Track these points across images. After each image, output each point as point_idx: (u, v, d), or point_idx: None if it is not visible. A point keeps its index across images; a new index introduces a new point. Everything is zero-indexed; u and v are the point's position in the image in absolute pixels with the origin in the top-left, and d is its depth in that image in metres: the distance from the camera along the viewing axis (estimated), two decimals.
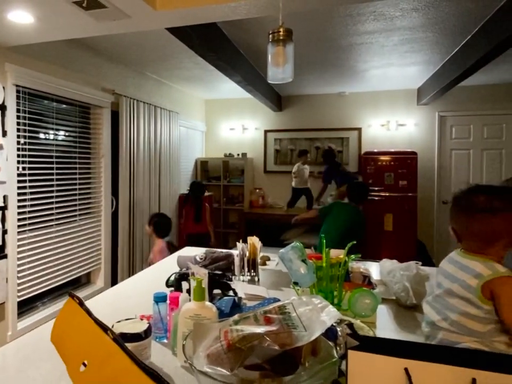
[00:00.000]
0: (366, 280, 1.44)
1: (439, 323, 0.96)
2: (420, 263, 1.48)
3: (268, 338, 0.73)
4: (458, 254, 1.00)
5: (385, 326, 1.22)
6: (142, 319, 1.02)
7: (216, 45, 2.90)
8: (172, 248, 2.99)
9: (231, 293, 1.36)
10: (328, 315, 0.77)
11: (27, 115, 2.82)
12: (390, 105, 5.10)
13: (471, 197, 0.98)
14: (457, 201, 1.02)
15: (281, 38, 1.54)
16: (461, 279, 0.93)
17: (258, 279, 1.69)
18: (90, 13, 1.97)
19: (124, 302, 1.42)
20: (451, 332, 0.93)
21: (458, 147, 4.92)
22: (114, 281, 3.67)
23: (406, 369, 0.66)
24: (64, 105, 3.22)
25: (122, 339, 0.90)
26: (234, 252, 1.78)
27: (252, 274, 1.70)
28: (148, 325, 0.97)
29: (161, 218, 3.24)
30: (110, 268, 3.71)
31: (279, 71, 1.58)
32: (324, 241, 1.32)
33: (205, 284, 1.04)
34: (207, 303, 0.98)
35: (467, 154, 4.89)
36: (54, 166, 3.08)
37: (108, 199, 3.66)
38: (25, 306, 2.97)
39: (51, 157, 3.07)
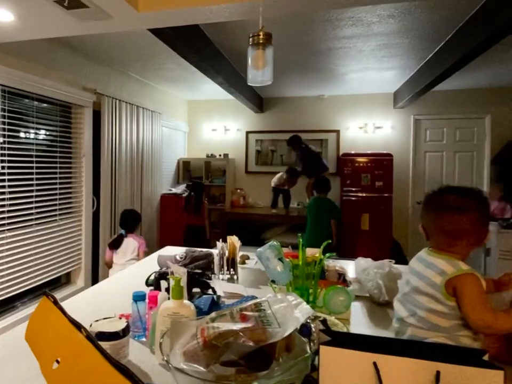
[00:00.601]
0: (341, 278, 1.46)
1: (408, 319, 0.98)
2: (393, 261, 1.52)
3: (243, 335, 0.73)
4: (426, 252, 1.03)
5: (359, 322, 1.24)
6: (120, 318, 1.01)
7: (199, 47, 2.88)
8: (115, 244, 3.18)
9: (210, 291, 1.36)
10: (302, 312, 0.78)
11: (6, 114, 2.74)
12: (367, 108, 5.18)
13: (441, 196, 1.01)
14: (428, 200, 1.05)
15: (261, 41, 1.54)
16: (427, 277, 0.95)
17: (237, 278, 1.69)
18: (72, 12, 1.93)
19: (103, 302, 1.40)
20: (419, 327, 0.95)
21: (432, 149, 5.04)
22: (95, 281, 3.60)
23: (374, 363, 0.68)
24: (45, 104, 3.14)
25: (100, 338, 0.90)
26: (214, 251, 1.78)
27: (231, 273, 1.70)
28: (126, 323, 0.96)
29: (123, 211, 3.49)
30: (90, 268, 3.64)
31: (258, 73, 1.58)
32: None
33: (183, 283, 1.04)
34: (185, 301, 0.98)
35: (440, 156, 5.02)
36: (34, 165, 3.01)
37: (89, 198, 3.60)
38: (4, 306, 2.89)
39: (31, 156, 2.99)
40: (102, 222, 3.72)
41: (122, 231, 3.24)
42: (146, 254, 3.03)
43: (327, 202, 3.85)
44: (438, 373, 0.65)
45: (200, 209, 4.53)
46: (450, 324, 0.92)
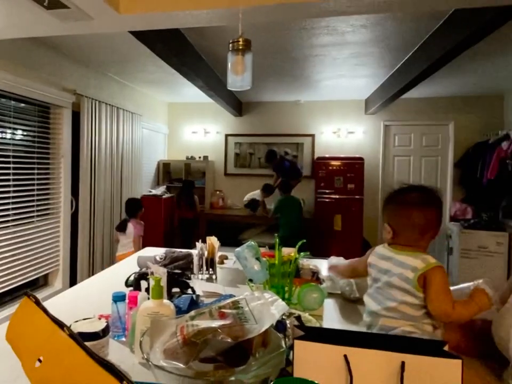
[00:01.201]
0: (315, 276, 1.49)
1: (380, 311, 1.02)
2: None
3: (221, 332, 0.74)
4: (391, 251, 1.07)
5: (331, 318, 1.27)
6: (100, 319, 1.00)
7: (179, 50, 2.86)
8: (118, 226, 3.70)
9: (189, 291, 1.36)
10: (277, 308, 0.80)
11: None
12: (341, 114, 5.28)
13: (409, 194, 1.07)
14: (393, 199, 1.10)
15: (240, 47, 1.55)
16: (399, 273, 1.00)
17: (216, 277, 1.70)
18: (51, 12, 1.87)
19: (83, 303, 1.38)
20: (390, 317, 1.00)
21: (400, 154, 5.19)
22: (73, 283, 3.51)
23: (345, 356, 0.71)
24: (22, 104, 3.04)
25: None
26: (194, 252, 1.78)
27: (210, 272, 1.70)
28: (105, 323, 0.95)
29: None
30: (68, 269, 3.54)
31: (238, 78, 1.59)
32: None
33: (163, 283, 1.04)
34: (165, 301, 0.98)
35: (408, 161, 5.17)
36: (11, 166, 2.90)
37: (68, 200, 3.50)
38: None
39: (8, 156, 2.88)
40: (80, 223, 3.62)
41: (127, 217, 3.73)
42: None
43: (294, 199, 4.41)
44: (403, 363, 0.69)
45: (192, 203, 4.97)
46: (419, 313, 0.98)
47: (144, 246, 2.45)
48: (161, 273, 1.14)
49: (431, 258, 0.99)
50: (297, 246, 1.31)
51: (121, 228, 3.61)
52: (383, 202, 1.13)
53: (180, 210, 5.03)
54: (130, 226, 3.63)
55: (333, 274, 1.42)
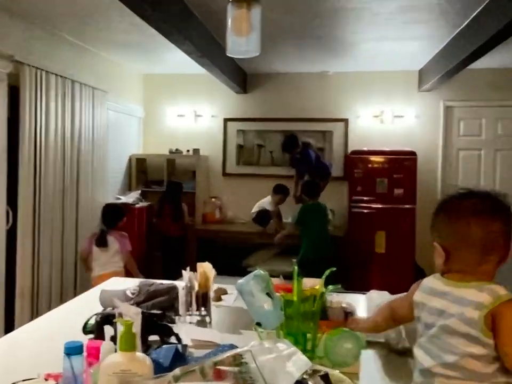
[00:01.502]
0: (348, 317, 1.48)
1: (434, 369, 1.01)
2: None
3: None
4: (444, 283, 1.07)
5: (371, 377, 1.27)
6: (47, 380, 1.00)
7: (159, 0, 2.87)
8: (96, 240, 3.84)
9: (173, 339, 1.37)
10: (296, 365, 0.79)
11: None
12: (384, 91, 5.30)
13: (467, 200, 1.08)
14: (445, 208, 1.12)
15: None
16: (458, 313, 0.99)
17: (211, 320, 1.70)
18: None
19: (22, 357, 1.38)
20: (449, 377, 0.99)
21: (467, 146, 5.19)
22: (9, 328, 3.50)
23: None
24: None
25: None
26: (180, 284, 1.78)
27: (202, 313, 1.70)
28: None
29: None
30: (3, 309, 3.56)
31: (241, 41, 1.60)
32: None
33: (136, 328, 1.04)
34: (139, 354, 0.98)
35: (477, 156, 5.16)
36: None
37: (2, 211, 3.53)
38: None
39: None
40: (20, 242, 3.64)
41: (104, 227, 3.92)
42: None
43: (321, 206, 4.48)
44: None
45: (180, 215, 4.98)
46: (491, 368, 0.96)
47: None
48: (133, 314, 1.14)
49: (500, 289, 0.98)
50: (324, 276, 1.31)
51: (102, 242, 3.79)
52: (433, 214, 1.14)
53: (161, 223, 5.04)
54: (112, 240, 3.83)
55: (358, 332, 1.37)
